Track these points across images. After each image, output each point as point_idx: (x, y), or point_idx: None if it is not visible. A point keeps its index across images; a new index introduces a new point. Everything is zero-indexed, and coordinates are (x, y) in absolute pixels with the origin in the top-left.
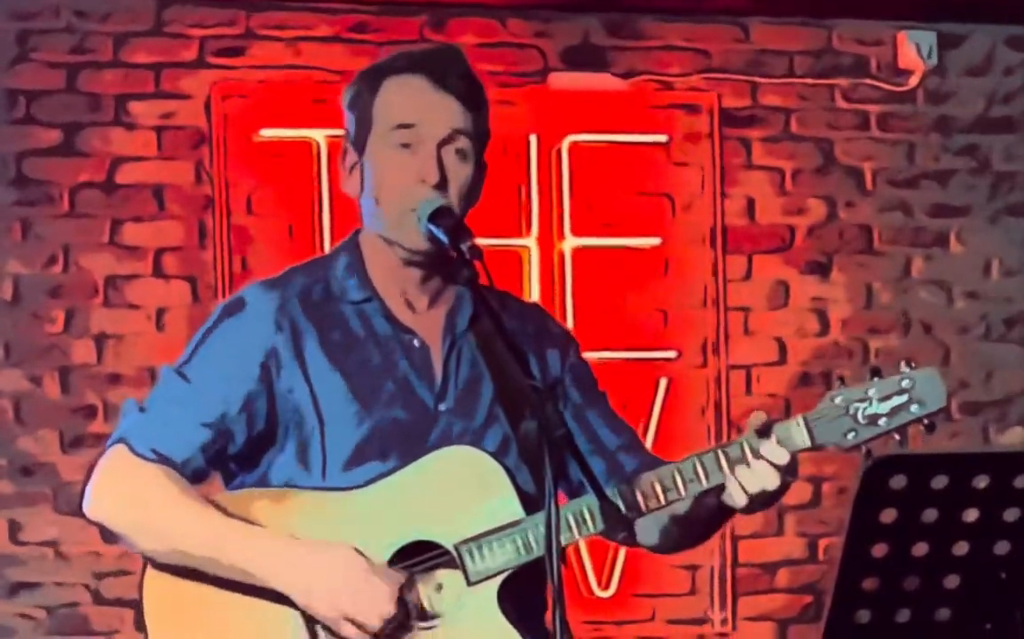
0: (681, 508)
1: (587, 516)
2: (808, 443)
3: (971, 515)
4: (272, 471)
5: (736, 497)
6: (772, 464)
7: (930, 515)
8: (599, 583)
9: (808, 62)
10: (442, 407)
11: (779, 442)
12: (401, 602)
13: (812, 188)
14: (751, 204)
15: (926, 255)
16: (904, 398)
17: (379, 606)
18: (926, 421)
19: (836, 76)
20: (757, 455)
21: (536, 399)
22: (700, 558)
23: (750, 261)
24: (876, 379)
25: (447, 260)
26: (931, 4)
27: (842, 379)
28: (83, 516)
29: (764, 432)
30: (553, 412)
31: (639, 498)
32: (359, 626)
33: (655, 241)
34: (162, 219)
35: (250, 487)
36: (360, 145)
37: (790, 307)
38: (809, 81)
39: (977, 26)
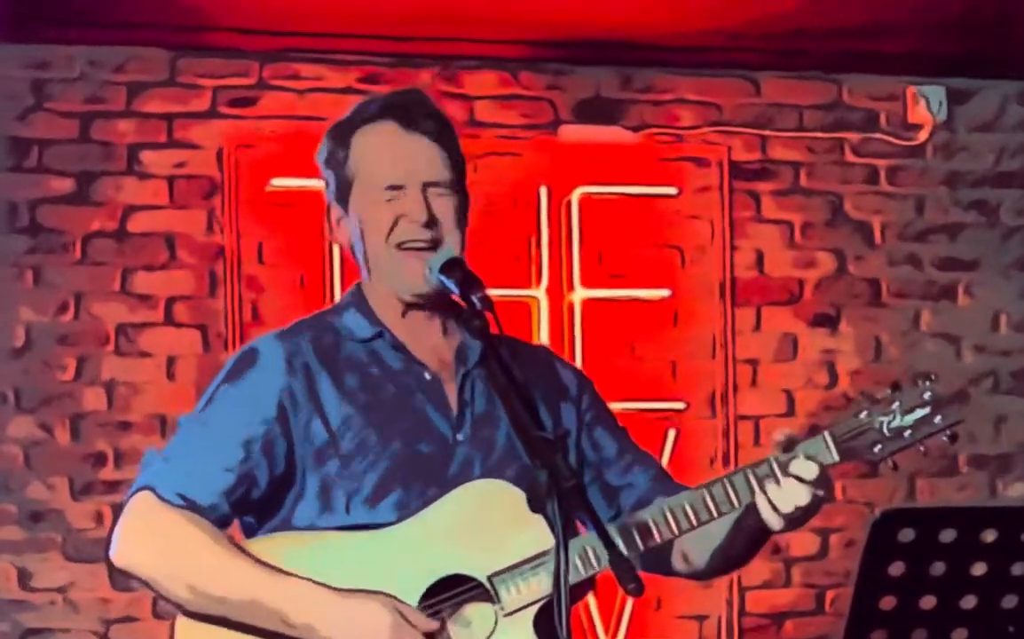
0: (718, 535)
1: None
2: (835, 458)
3: (979, 569)
4: (295, 515)
5: (769, 518)
6: (801, 479)
7: (938, 568)
8: (607, 632)
9: (818, 116)
10: (460, 437)
11: (806, 458)
12: None
13: (821, 241)
14: (760, 257)
15: (934, 308)
16: (927, 410)
17: None
18: (949, 432)
19: (846, 130)
20: (786, 471)
21: (546, 450)
22: (708, 608)
23: (759, 313)
24: (899, 392)
25: (448, 300)
26: (941, 60)
27: (864, 394)
28: (93, 562)
29: (788, 447)
30: (563, 462)
31: (671, 521)
32: None
33: (664, 293)
34: (173, 268)
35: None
36: (343, 200)
37: (799, 359)
38: (819, 135)
39: (987, 82)
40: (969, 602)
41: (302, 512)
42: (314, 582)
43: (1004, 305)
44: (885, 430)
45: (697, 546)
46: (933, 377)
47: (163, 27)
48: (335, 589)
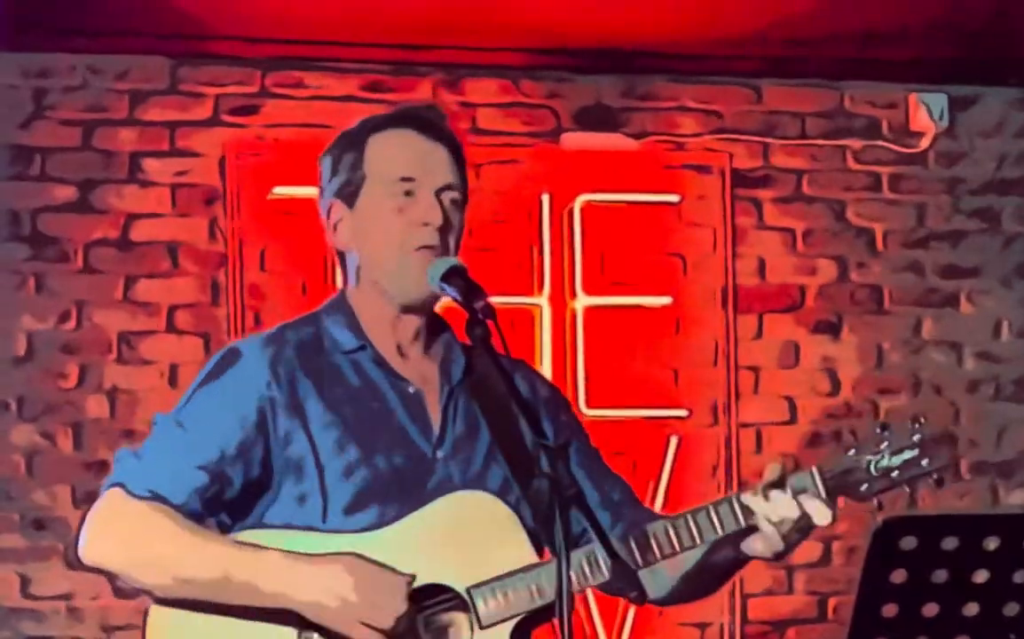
0: (689, 562)
1: (600, 562)
2: (823, 495)
3: (981, 576)
4: (268, 517)
5: (764, 548)
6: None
7: (940, 576)
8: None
9: (820, 123)
10: (440, 453)
11: (793, 493)
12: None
13: (823, 248)
14: (762, 264)
15: (936, 316)
16: (915, 452)
17: (391, 605)
18: (936, 475)
19: (848, 137)
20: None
21: (548, 458)
22: (710, 615)
23: (761, 320)
24: (888, 432)
25: (435, 316)
26: (942, 67)
27: (854, 434)
28: (95, 570)
29: (778, 484)
30: (564, 471)
31: (654, 547)
32: (372, 628)
33: (666, 300)
34: (176, 276)
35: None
36: (350, 200)
37: (800, 367)
38: (821, 142)
39: (988, 89)
40: (971, 609)
41: (276, 515)
42: (282, 551)
43: (1006, 312)
44: (872, 470)
45: (660, 575)
46: (922, 420)
47: (165, 35)
48: (306, 557)
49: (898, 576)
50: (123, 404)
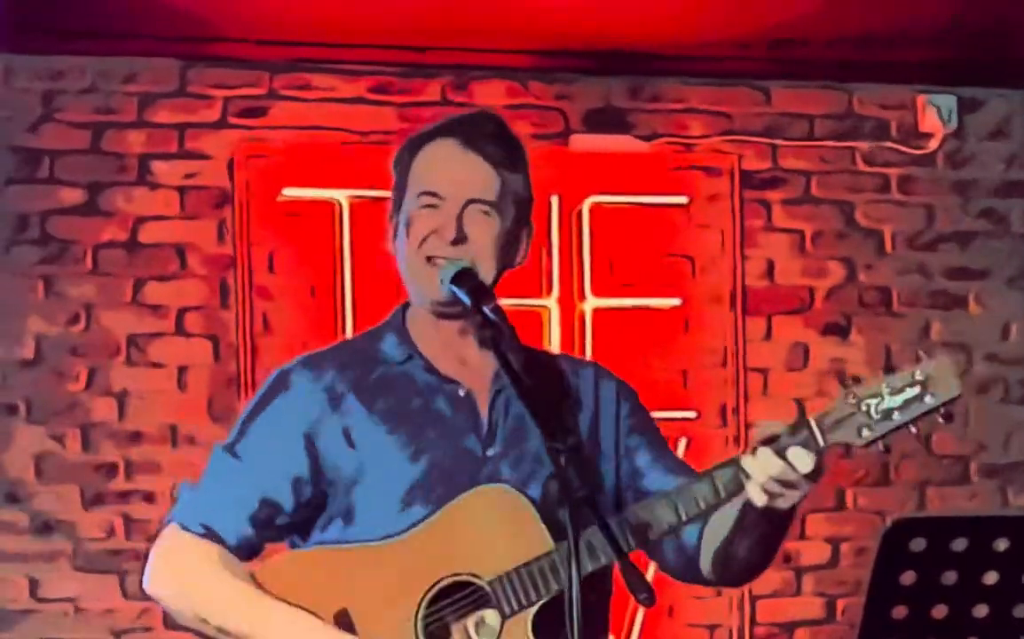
0: (723, 530)
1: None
2: (822, 444)
3: (991, 578)
4: (325, 534)
5: (752, 493)
6: (788, 461)
7: (950, 578)
8: None
9: (829, 125)
10: (490, 452)
11: (784, 446)
12: None
13: (832, 250)
14: (771, 266)
15: (945, 318)
16: (917, 390)
17: None
18: (943, 411)
19: (856, 139)
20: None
21: (556, 460)
22: (719, 617)
23: (769, 322)
24: (888, 376)
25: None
26: (951, 68)
27: (855, 378)
28: (103, 572)
29: (771, 440)
30: (574, 474)
31: (662, 520)
32: None
33: (675, 302)
34: (184, 278)
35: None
36: (396, 207)
37: (809, 368)
38: (829, 144)
39: (997, 91)
40: (981, 611)
41: (332, 531)
42: (306, 612)
43: (1014, 314)
44: (873, 413)
45: (707, 547)
46: (924, 355)
47: (173, 38)
48: (332, 629)
49: (907, 578)
50: (132, 406)
